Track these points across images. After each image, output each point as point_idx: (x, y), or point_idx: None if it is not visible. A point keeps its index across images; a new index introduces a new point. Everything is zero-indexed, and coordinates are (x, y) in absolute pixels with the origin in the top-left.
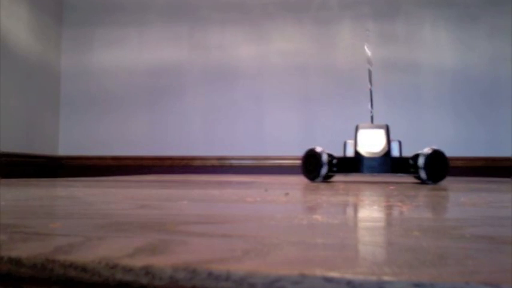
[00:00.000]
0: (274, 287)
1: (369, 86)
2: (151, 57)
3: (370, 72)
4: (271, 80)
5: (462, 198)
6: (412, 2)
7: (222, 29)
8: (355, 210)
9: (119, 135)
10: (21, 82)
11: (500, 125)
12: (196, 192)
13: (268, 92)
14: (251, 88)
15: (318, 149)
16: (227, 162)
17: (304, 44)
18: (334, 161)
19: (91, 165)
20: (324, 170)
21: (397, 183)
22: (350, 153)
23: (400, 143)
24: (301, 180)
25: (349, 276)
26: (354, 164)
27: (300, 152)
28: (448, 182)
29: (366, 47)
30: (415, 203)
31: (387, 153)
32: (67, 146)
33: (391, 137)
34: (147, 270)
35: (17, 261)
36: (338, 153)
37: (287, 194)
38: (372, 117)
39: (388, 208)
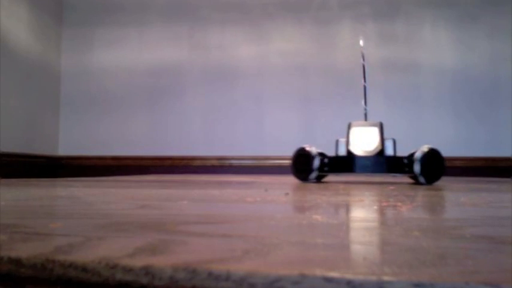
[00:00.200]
0: (274, 287)
1: (363, 82)
2: (151, 57)
3: (364, 67)
4: (271, 80)
5: (462, 198)
6: (412, 2)
7: (222, 29)
8: (355, 210)
9: (119, 135)
10: (21, 82)
11: (500, 125)
12: (196, 192)
13: (268, 92)
14: (251, 88)
15: (309, 148)
16: (227, 162)
17: (304, 44)
18: (326, 161)
19: (91, 165)
20: (315, 170)
21: (393, 183)
22: (342, 152)
23: (394, 141)
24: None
25: (349, 276)
26: (346, 163)
27: None
28: (447, 182)
29: (360, 41)
30: (415, 203)
31: (381, 152)
32: (67, 146)
33: (388, 135)
34: (147, 270)
35: (17, 261)
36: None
37: (287, 194)
38: (365, 115)
39: (388, 208)
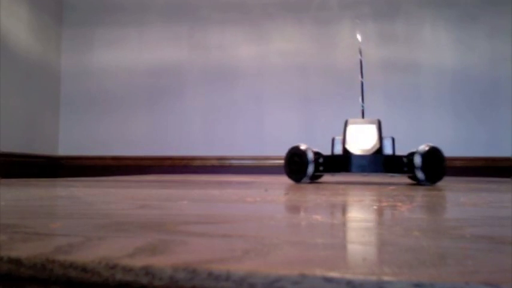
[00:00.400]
0: (274, 287)
1: (360, 78)
2: (151, 57)
3: (361, 62)
4: (271, 80)
5: (462, 198)
6: (412, 2)
7: (222, 29)
8: (355, 210)
9: (119, 135)
10: (21, 82)
11: (500, 125)
12: (196, 192)
13: (268, 92)
14: (251, 88)
15: (303, 147)
16: (227, 162)
17: (304, 44)
18: (321, 160)
19: (91, 165)
20: (310, 170)
21: (392, 183)
22: (338, 150)
23: (393, 139)
24: None
25: (349, 276)
26: (342, 162)
27: None
28: (447, 182)
29: (357, 36)
30: (415, 203)
31: (379, 151)
32: (67, 146)
33: (386, 133)
34: (147, 270)
35: (17, 261)
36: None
37: (287, 194)
38: (362, 112)
39: (388, 208)
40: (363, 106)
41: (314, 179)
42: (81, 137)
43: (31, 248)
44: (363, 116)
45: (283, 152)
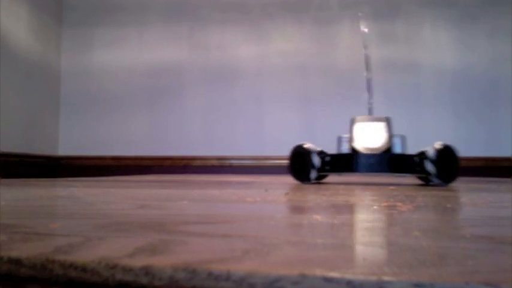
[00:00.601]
0: (274, 287)
1: (365, 74)
2: (151, 57)
3: (366, 57)
4: (271, 80)
5: (462, 198)
6: (412, 2)
7: (222, 29)
8: (355, 210)
9: (118, 135)
10: (21, 82)
11: (500, 125)
12: (196, 192)
13: (268, 92)
14: (251, 88)
15: (308, 145)
16: (227, 162)
17: (304, 44)
18: (327, 159)
19: (91, 165)
20: (315, 170)
21: (397, 184)
22: (345, 149)
23: (404, 138)
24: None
25: (349, 276)
26: (349, 162)
27: None
28: None
29: (362, 28)
30: (415, 203)
31: (388, 150)
32: (67, 146)
33: (393, 132)
34: (147, 270)
35: (17, 261)
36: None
37: (287, 194)
38: (369, 109)
39: (388, 208)
40: (370, 103)
41: (319, 179)
42: (81, 137)
43: (31, 248)
44: (370, 114)
45: (283, 152)
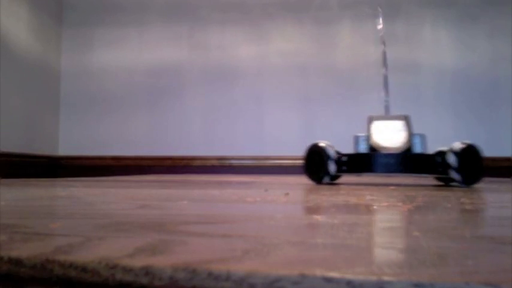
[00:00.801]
0: (274, 287)
1: (384, 71)
2: (151, 57)
3: (384, 53)
4: (271, 80)
5: (462, 198)
6: (412, 2)
7: (222, 29)
8: (355, 211)
9: (118, 135)
10: (21, 82)
11: (500, 125)
12: (196, 192)
13: (268, 92)
14: (251, 88)
15: (323, 144)
16: (227, 162)
17: (304, 44)
18: (344, 159)
19: (91, 165)
20: (331, 170)
21: (399, 185)
22: (362, 149)
23: (423, 137)
24: (301, 180)
25: (349, 276)
26: (367, 162)
27: (300, 152)
28: None
29: (378, 23)
30: (415, 203)
31: (408, 150)
32: (67, 146)
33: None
34: (147, 271)
35: (17, 261)
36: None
37: (287, 194)
38: (386, 107)
39: (388, 208)
40: (386, 101)
41: (334, 179)
42: (81, 137)
43: (31, 248)
44: (387, 112)
45: (283, 152)
